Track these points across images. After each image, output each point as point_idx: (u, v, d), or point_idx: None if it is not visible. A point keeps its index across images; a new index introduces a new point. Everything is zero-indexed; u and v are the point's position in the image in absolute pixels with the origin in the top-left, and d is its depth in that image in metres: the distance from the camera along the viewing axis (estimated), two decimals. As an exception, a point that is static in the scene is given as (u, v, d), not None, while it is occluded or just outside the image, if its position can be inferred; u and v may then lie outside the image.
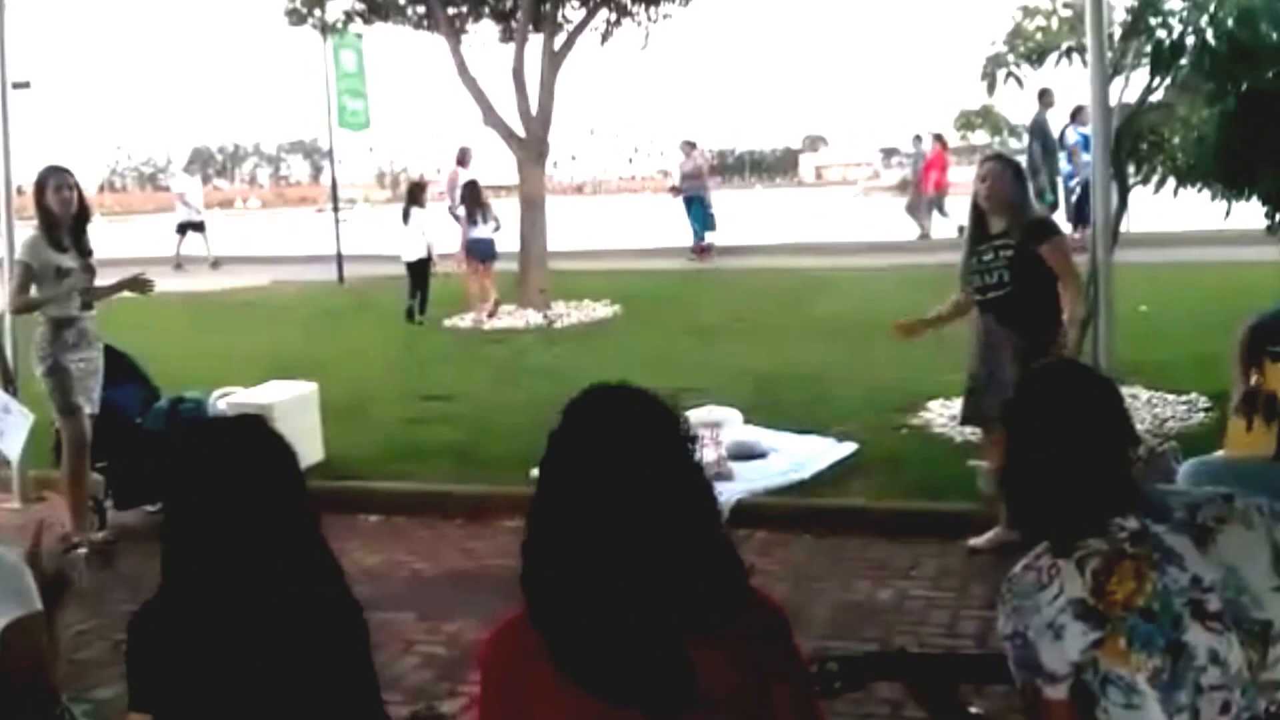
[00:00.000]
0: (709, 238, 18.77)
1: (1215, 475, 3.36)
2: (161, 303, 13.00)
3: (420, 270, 13.15)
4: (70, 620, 2.75)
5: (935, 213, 19.34)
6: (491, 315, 12.73)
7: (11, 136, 6.86)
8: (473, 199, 13.48)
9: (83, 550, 2.60)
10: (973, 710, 2.25)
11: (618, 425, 1.80)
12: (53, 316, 5.73)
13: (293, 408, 6.50)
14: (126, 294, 6.05)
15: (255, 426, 2.15)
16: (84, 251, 5.82)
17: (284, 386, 7.14)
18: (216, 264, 20.00)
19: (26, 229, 5.87)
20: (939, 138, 19.60)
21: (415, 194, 13.92)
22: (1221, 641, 1.86)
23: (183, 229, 20.39)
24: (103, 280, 5.96)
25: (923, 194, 19.58)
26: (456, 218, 14.56)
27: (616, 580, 1.75)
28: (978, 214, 5.23)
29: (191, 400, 6.51)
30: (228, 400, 6.76)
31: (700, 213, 18.73)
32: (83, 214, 5.87)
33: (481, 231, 13.30)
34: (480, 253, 13.17)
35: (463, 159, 16.84)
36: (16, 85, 7.56)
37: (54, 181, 5.71)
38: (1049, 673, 1.91)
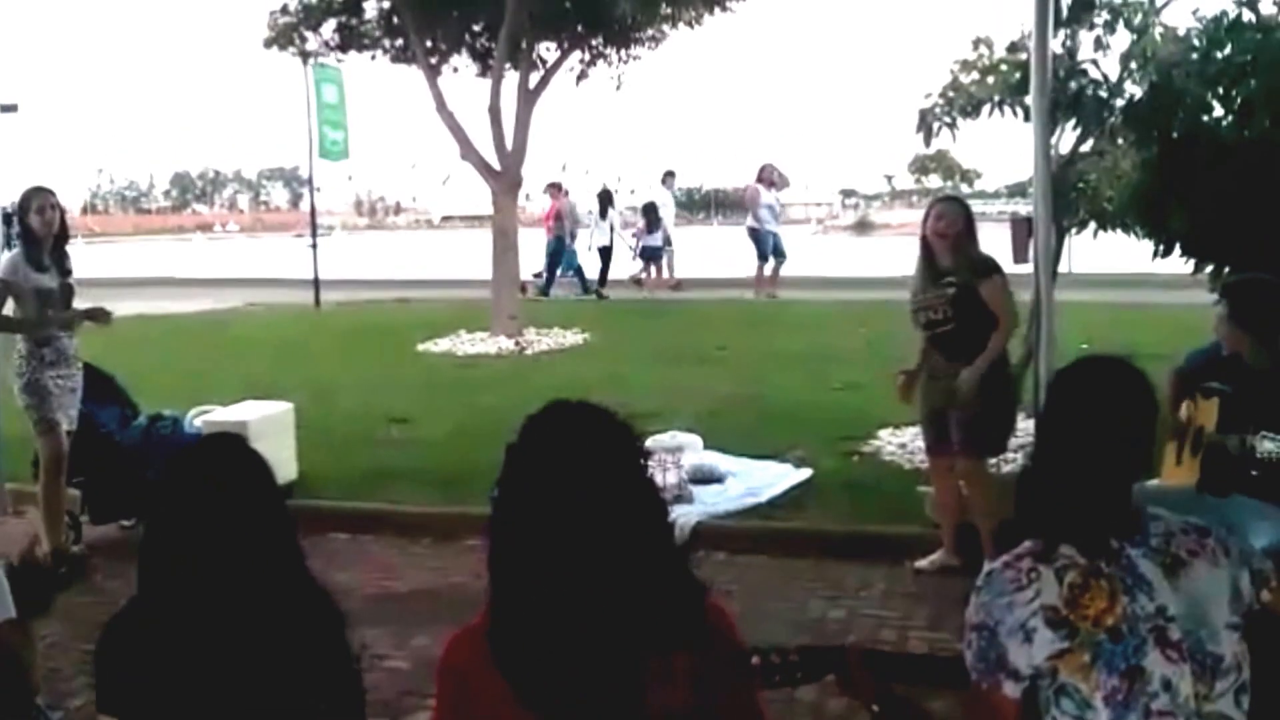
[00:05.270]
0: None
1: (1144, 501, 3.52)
2: (140, 324, 13.12)
3: (607, 253, 18.04)
4: (43, 631, 2.84)
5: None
6: (675, 287, 18.25)
7: (-1, 159, 7.02)
8: (650, 215, 18.64)
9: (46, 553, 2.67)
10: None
11: (572, 440, 1.82)
12: (31, 335, 5.81)
13: (268, 427, 6.58)
14: (87, 323, 6.01)
15: (232, 444, 2.22)
16: (64, 271, 5.92)
17: (259, 406, 7.21)
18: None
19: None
20: (554, 186, 18.94)
21: (608, 198, 18.96)
22: (1176, 671, 1.91)
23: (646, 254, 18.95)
24: (80, 301, 6.05)
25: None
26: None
27: (569, 595, 1.76)
28: (928, 252, 5.44)
29: (168, 418, 6.61)
30: (204, 419, 6.82)
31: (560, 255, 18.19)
32: (63, 234, 5.96)
33: (653, 240, 18.51)
34: (650, 255, 18.63)
35: (769, 178, 17.15)
36: (4, 108, 7.69)
37: (37, 202, 5.81)
38: (1013, 670, 1.95)
